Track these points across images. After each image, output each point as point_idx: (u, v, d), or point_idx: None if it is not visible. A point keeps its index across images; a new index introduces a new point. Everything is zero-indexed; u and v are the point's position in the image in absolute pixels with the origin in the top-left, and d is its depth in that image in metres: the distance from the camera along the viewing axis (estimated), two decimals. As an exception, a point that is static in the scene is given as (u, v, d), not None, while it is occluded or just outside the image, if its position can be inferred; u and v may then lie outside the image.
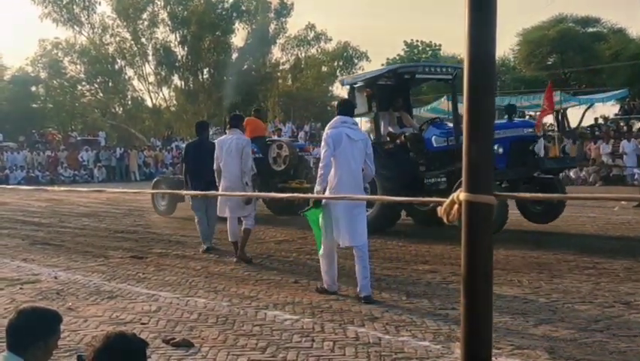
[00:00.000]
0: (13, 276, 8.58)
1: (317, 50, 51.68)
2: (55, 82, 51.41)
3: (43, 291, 7.62)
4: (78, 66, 50.42)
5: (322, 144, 7.33)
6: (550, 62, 43.07)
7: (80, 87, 52.36)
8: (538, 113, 38.39)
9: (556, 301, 6.75)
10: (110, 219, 15.66)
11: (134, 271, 8.83)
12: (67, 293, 7.49)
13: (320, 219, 7.24)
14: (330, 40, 50.98)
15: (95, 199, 21.22)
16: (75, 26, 47.64)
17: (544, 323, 5.94)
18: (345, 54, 50.60)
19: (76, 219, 15.67)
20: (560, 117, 38.89)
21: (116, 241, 11.98)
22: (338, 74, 50.41)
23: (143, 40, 47.94)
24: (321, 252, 7.31)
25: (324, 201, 7.11)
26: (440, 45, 57.33)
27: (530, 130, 12.19)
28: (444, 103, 34.57)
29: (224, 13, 48.24)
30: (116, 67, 49.88)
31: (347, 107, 7.67)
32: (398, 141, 12.48)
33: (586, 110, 38.05)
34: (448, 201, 1.42)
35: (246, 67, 49.46)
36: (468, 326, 1.36)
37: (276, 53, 51.57)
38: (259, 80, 48.27)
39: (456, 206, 1.39)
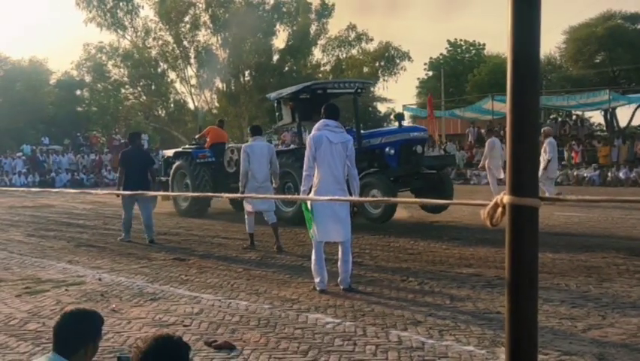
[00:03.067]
0: (59, 277, 8.76)
1: (358, 51, 51.51)
2: (99, 85, 52.38)
3: (88, 293, 7.76)
4: (121, 70, 51.23)
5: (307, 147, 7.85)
6: (597, 60, 42.24)
7: (123, 90, 53.21)
8: (582, 114, 37.72)
9: (606, 305, 6.61)
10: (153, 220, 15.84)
11: (176, 273, 8.93)
12: (111, 295, 7.62)
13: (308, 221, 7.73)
14: (372, 40, 50.78)
15: (164, 202, 21.40)
16: (119, 30, 48.43)
17: (594, 329, 5.82)
18: (386, 54, 50.30)
19: (120, 222, 15.88)
20: (608, 117, 38.12)
21: (159, 242, 12.14)
22: (379, 74, 50.20)
23: (185, 43, 48.46)
24: (311, 234, 7.74)
25: (309, 202, 7.61)
26: (484, 44, 56.75)
27: (417, 134, 14.38)
28: (488, 103, 34.22)
29: (265, 15, 48.52)
30: (159, 70, 50.53)
31: (331, 111, 8.05)
32: None
33: (636, 109, 37.21)
34: (491, 204, 1.40)
35: (287, 69, 49.67)
36: (513, 332, 1.34)
37: (317, 54, 51.60)
38: (300, 81, 48.32)
39: (500, 209, 1.37)
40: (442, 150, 23.21)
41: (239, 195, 10.91)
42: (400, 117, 16.43)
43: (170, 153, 18.77)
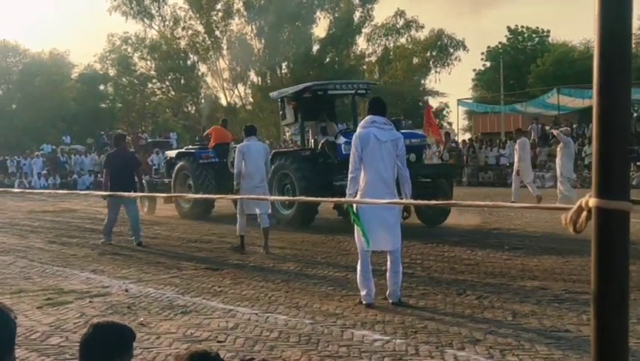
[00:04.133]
0: (83, 288, 8.90)
1: (407, 40, 51.35)
2: (124, 79, 53.20)
3: (114, 305, 7.87)
4: (148, 62, 52.01)
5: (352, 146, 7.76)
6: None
7: (150, 85, 53.95)
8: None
9: (692, 324, 6.44)
10: (183, 227, 16.04)
11: (209, 284, 9.00)
12: (139, 307, 7.71)
13: (355, 227, 7.65)
14: (422, 28, 50.56)
15: (167, 205, 21.72)
16: (145, 19, 49.21)
17: (678, 350, 5.68)
18: (439, 43, 50.04)
19: (147, 228, 16.09)
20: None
21: (190, 251, 12.26)
22: (431, 65, 49.93)
23: (217, 32, 48.94)
24: (367, 247, 7.58)
25: (355, 206, 7.49)
26: (548, 31, 56.07)
27: (414, 140, 15.04)
28: (554, 97, 33.76)
29: (304, 1, 48.66)
30: (189, 63, 51.13)
31: (378, 106, 7.98)
32: (319, 147, 15.60)
33: None
34: (574, 207, 1.36)
35: (328, 60, 49.77)
36: (601, 352, 1.30)
37: (361, 43, 51.60)
38: (342, 73, 48.44)
39: (584, 213, 1.34)
40: (440, 160, 25.41)
41: (238, 196, 11.61)
42: (397, 123, 17.09)
43: (172, 153, 19.88)
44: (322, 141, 15.63)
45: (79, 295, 8.46)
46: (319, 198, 12.14)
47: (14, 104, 52.65)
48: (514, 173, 19.49)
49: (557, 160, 18.00)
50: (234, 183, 11.91)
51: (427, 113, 22.81)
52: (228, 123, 19.95)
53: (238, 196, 11.81)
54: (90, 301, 8.07)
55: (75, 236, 14.80)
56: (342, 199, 7.69)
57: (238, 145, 12.41)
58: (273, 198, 12.28)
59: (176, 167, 18.47)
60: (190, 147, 19.86)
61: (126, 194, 11.80)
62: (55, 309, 7.72)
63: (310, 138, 16.49)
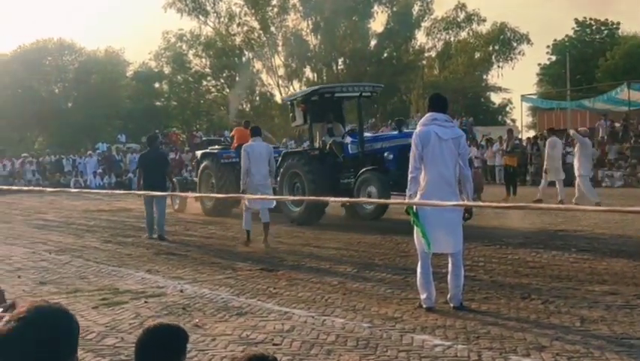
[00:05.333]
0: (138, 288, 9.05)
1: (468, 34, 50.82)
2: (179, 77, 53.90)
3: (169, 305, 7.97)
4: (203, 59, 52.58)
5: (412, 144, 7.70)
6: None
7: (205, 82, 54.55)
8: None
9: None
10: (238, 227, 16.12)
11: (264, 286, 9.05)
12: (194, 308, 7.80)
13: (415, 228, 7.61)
14: (484, 21, 49.97)
15: (197, 203, 21.90)
16: (200, 16, 49.78)
17: None
18: (501, 37, 49.38)
19: (202, 227, 16.33)
20: None
21: (245, 251, 12.35)
22: (493, 60, 49.32)
23: (273, 28, 49.23)
24: (427, 249, 7.54)
25: (415, 207, 7.44)
26: (618, 23, 54.82)
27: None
28: (624, 92, 32.99)
29: (361, -6, 48.57)
30: (244, 59, 51.50)
31: (439, 103, 7.87)
32: (327, 147, 16.92)
33: None
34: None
35: (386, 55, 49.55)
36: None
37: (421, 38, 51.24)
38: (401, 69, 48.25)
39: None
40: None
41: (245, 195, 12.54)
42: (400, 123, 18.77)
43: (199, 153, 21.47)
44: (329, 142, 16.86)
45: (134, 295, 8.61)
46: (365, 200, 12.29)
47: (70, 102, 53.88)
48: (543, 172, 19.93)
49: (575, 160, 18.58)
50: (241, 182, 13.01)
51: None
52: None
53: (250, 196, 12.30)
54: (145, 302, 8.20)
55: (130, 235, 15.06)
56: (402, 200, 7.65)
57: (244, 145, 13.29)
58: (325, 198, 12.59)
59: (201, 166, 19.99)
60: (215, 147, 21.21)
61: (184, 194, 12.11)
62: (111, 309, 7.87)
63: (318, 138, 17.70)
